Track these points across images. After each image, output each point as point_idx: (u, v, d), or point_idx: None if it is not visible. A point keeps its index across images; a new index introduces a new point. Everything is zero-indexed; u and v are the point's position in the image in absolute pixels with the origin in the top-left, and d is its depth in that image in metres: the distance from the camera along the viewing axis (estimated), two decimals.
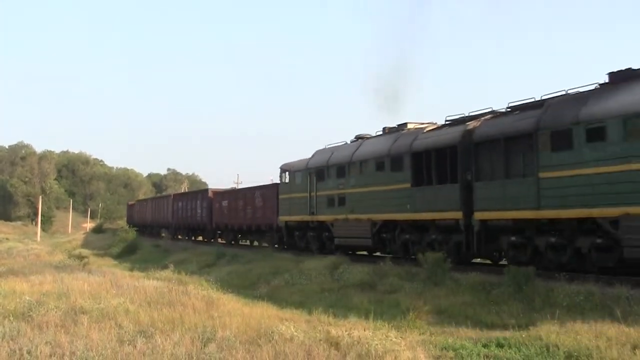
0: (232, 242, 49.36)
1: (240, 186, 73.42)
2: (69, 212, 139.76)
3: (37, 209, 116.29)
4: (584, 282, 17.91)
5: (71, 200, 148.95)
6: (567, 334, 13.50)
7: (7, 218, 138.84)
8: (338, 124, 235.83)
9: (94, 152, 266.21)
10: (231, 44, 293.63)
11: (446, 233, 24.86)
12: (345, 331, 12.92)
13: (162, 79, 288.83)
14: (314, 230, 34.53)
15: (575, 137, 18.91)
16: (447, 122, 26.37)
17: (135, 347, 11.53)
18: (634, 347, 12.35)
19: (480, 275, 21.31)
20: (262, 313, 17.63)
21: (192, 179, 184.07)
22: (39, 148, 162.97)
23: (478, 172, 22.98)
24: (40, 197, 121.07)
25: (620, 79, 19.32)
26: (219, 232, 53.06)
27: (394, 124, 30.44)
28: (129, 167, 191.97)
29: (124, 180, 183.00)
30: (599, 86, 19.88)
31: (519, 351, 12.97)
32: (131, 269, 37.89)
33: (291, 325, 13.69)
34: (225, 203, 49.73)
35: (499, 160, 22.02)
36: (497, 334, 14.90)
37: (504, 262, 23.45)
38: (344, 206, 30.88)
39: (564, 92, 21.00)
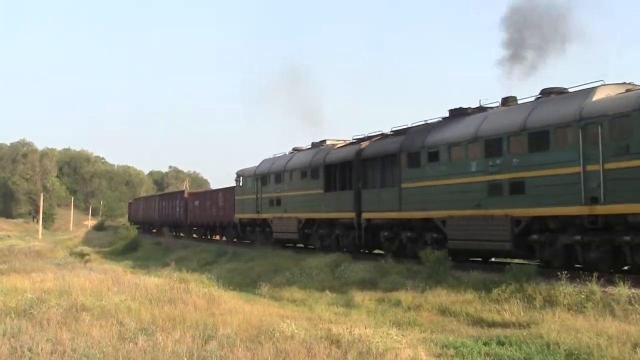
0: (203, 237, 56.81)
1: None
2: (71, 209, 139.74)
3: (38, 206, 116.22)
4: (585, 281, 17.94)
5: (72, 198, 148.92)
6: (568, 332, 13.52)
7: (9, 215, 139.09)
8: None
9: (95, 149, 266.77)
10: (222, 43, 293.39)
11: (346, 229, 31.40)
12: (346, 329, 12.93)
13: (162, 79, 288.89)
14: (259, 226, 41.29)
15: (421, 158, 25.64)
16: (352, 141, 33.20)
17: (137, 344, 11.54)
18: (635, 346, 12.36)
19: (482, 273, 21.33)
20: (263, 311, 17.65)
21: (194, 177, 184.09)
22: (40, 145, 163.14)
23: (365, 182, 29.81)
24: (42, 194, 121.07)
25: (454, 114, 25.99)
26: (194, 228, 59.81)
27: (321, 139, 36.92)
28: (130, 165, 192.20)
29: (125, 177, 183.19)
30: (441, 119, 26.53)
31: (520, 349, 13.00)
32: (132, 267, 37.93)
33: (292, 323, 13.70)
34: (197, 203, 57.02)
35: (377, 174, 28.88)
36: (498, 332, 14.93)
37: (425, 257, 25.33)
38: (280, 206, 37.55)
39: (423, 122, 27.53)
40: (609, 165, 18.05)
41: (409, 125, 28.29)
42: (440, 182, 24.43)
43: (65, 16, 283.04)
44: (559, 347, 12.62)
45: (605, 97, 19.40)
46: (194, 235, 59.70)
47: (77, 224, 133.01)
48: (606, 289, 16.95)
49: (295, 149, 39.37)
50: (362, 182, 29.88)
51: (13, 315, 14.20)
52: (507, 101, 24.42)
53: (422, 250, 24.01)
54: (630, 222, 17.80)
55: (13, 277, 23.79)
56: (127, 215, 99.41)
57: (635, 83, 20.36)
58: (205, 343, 11.82)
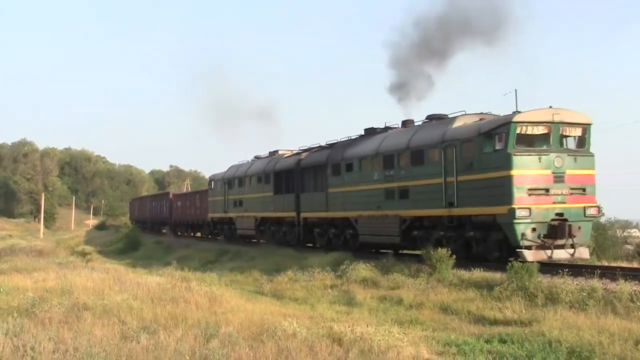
0: (185, 234, 63.12)
1: None
2: (72, 208, 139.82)
3: (39, 205, 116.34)
4: (587, 278, 17.97)
5: (74, 197, 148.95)
6: (570, 330, 13.54)
7: (10, 215, 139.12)
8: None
9: (96, 148, 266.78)
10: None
11: (290, 226, 37.11)
12: (348, 327, 12.96)
13: (163, 78, 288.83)
14: (227, 224, 47.61)
15: (341, 168, 31.30)
16: (296, 152, 39.17)
17: (139, 343, 11.57)
18: (637, 343, 12.39)
19: (483, 271, 21.35)
20: (265, 309, 17.68)
21: (195, 176, 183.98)
22: (41, 145, 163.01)
23: (302, 187, 35.49)
24: (43, 194, 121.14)
25: (367, 133, 32.08)
26: (181, 227, 65.17)
27: (277, 148, 42.54)
28: (131, 164, 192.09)
29: (126, 177, 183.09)
30: (358, 136, 32.57)
31: (522, 347, 13.02)
32: (134, 266, 37.95)
33: (294, 321, 13.73)
34: (179, 204, 63.82)
35: (311, 180, 34.58)
36: (500, 329, 14.96)
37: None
38: (242, 207, 43.42)
39: (347, 138, 33.38)
40: (460, 178, 23.43)
41: (337, 140, 34.56)
42: (354, 188, 30.27)
43: (67, 13, 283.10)
44: (561, 345, 12.65)
45: (461, 125, 24.67)
46: (178, 233, 65.39)
47: (78, 224, 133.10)
48: (608, 287, 16.99)
49: (256, 157, 45.41)
50: (300, 187, 35.81)
51: (15, 315, 14.22)
52: (406, 123, 30.14)
53: (339, 243, 31.79)
54: (474, 221, 23.28)
55: (15, 276, 23.79)
56: (128, 215, 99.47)
57: (492, 113, 25.27)
58: (207, 342, 11.85)
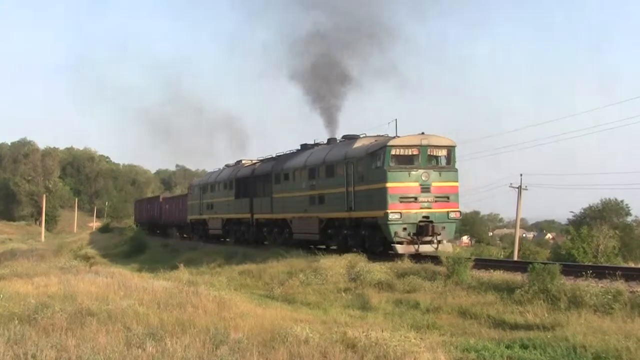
0: (177, 234, 67.02)
1: None
2: (74, 210, 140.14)
3: (41, 208, 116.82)
4: (611, 281, 17.91)
5: (76, 199, 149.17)
6: (595, 335, 13.48)
7: (11, 218, 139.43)
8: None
9: (99, 148, 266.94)
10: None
11: (247, 226, 44.74)
12: (363, 332, 12.96)
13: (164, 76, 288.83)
14: (201, 225, 55.09)
15: (282, 177, 38.45)
16: (255, 161, 46.54)
17: (145, 350, 11.59)
18: None
19: (504, 273, 21.32)
20: (276, 314, 17.69)
21: (201, 176, 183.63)
22: (42, 144, 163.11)
23: (255, 192, 42.72)
24: (44, 195, 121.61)
25: (303, 148, 39.38)
26: (169, 227, 71.22)
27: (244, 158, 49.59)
28: (136, 164, 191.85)
29: (131, 177, 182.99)
30: (295, 150, 40.04)
31: (544, 352, 12.97)
32: (139, 270, 38.05)
33: (306, 326, 13.73)
34: (167, 206, 71.20)
35: (261, 186, 41.57)
36: (521, 334, 14.91)
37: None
38: (212, 209, 51.60)
39: (289, 151, 40.87)
40: (356, 188, 30.55)
41: (282, 153, 41.72)
42: (289, 195, 37.50)
43: (66, 10, 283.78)
44: (586, 351, 12.60)
45: (359, 146, 31.73)
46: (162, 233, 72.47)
47: (81, 226, 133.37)
48: (635, 289, 16.93)
49: (226, 165, 52.82)
50: (253, 192, 43.12)
51: (16, 321, 14.25)
52: (330, 141, 37.53)
53: (287, 242, 37.86)
54: (365, 222, 30.30)
55: (15, 281, 23.90)
56: (133, 217, 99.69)
57: (388, 135, 31.99)
58: (216, 348, 11.87)
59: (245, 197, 44.33)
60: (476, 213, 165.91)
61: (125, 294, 19.45)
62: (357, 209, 30.59)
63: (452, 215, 29.10)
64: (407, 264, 25.52)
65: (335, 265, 27.65)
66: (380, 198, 28.73)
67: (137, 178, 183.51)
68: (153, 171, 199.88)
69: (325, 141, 38.28)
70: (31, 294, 19.25)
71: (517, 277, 20.40)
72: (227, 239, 49.59)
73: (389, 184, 28.44)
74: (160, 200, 75.97)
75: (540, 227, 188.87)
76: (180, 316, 15.39)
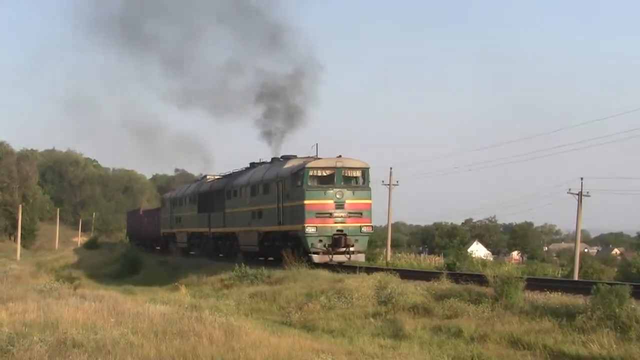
0: (152, 247, 75.15)
1: None
2: (56, 223, 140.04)
3: (16, 220, 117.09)
4: None
5: (58, 210, 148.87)
6: None
7: None
8: None
9: (85, 150, 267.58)
10: None
11: (204, 238, 54.88)
12: None
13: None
14: (172, 238, 64.70)
15: (232, 193, 47.79)
16: (217, 177, 55.92)
17: None
18: None
19: (562, 296, 21.25)
20: (294, 344, 17.69)
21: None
22: (17, 146, 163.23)
23: (212, 207, 51.82)
24: (20, 206, 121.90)
25: (250, 166, 48.41)
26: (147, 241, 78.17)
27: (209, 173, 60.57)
28: (128, 168, 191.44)
29: (123, 184, 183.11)
30: (245, 168, 49.32)
31: None
32: (133, 292, 38.14)
33: (329, 357, 13.76)
34: (146, 219, 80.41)
35: (217, 202, 50.82)
36: None
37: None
38: (180, 223, 61.46)
39: (242, 168, 50.08)
40: (284, 204, 38.96)
41: (235, 170, 51.10)
42: (237, 210, 46.68)
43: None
44: None
45: (289, 166, 39.96)
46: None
47: (64, 242, 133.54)
48: None
49: (195, 180, 64.57)
50: (211, 207, 52.26)
51: None
52: (273, 160, 45.87)
53: (234, 253, 46.75)
54: (291, 235, 38.74)
55: None
56: (125, 230, 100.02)
57: (319, 157, 39.54)
58: None
59: (205, 212, 53.92)
60: (528, 225, 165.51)
61: (116, 321, 19.51)
62: (285, 223, 39.31)
63: (364, 229, 37.63)
64: (446, 284, 25.50)
65: (362, 285, 27.72)
66: (300, 214, 37.18)
67: (130, 185, 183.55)
68: (149, 176, 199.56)
69: (270, 160, 47.01)
70: (5, 322, 19.30)
71: (579, 300, 20.34)
72: (192, 252, 58.90)
73: (306, 201, 36.87)
74: (141, 212, 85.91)
75: (606, 240, 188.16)
76: (181, 347, 15.44)
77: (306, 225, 36.33)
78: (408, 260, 58.59)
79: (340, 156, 38.21)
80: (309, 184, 37.19)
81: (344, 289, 27.69)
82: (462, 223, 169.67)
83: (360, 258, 37.70)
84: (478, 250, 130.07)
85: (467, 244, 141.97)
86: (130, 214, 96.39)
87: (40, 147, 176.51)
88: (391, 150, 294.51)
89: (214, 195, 52.32)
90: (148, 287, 42.00)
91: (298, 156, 42.23)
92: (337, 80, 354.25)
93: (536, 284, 24.68)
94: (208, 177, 58.62)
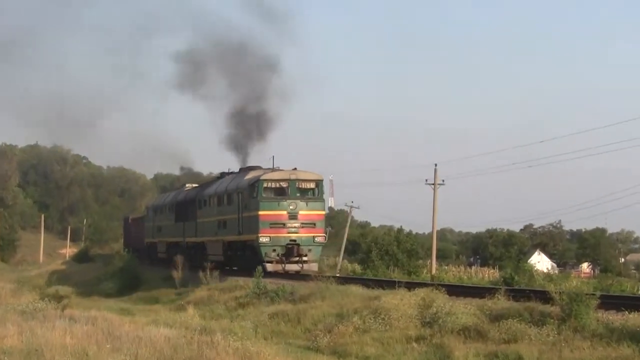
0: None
1: None
2: (40, 232, 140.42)
3: None
4: None
5: (43, 216, 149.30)
6: None
7: None
8: None
9: (74, 146, 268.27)
10: None
11: (178, 248, 60.84)
12: None
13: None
14: (155, 247, 72.56)
15: (202, 203, 56.71)
16: (195, 186, 65.29)
17: None
18: None
19: None
20: None
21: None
22: None
23: (187, 216, 59.13)
24: None
25: (220, 176, 57.65)
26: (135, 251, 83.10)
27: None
28: (126, 167, 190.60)
29: (119, 185, 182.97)
30: (216, 179, 58.98)
31: None
32: (132, 313, 38.32)
33: None
34: (133, 228, 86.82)
35: (189, 211, 58.42)
36: None
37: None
38: (160, 232, 69.95)
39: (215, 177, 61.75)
40: (243, 215, 46.50)
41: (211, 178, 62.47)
42: (206, 219, 54.30)
43: None
44: None
45: (249, 177, 47.18)
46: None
47: (49, 254, 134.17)
48: None
49: (176, 188, 75.80)
50: (185, 216, 60.10)
51: None
52: (240, 170, 53.24)
53: (206, 262, 49.47)
54: (248, 244, 46.37)
55: None
56: (122, 239, 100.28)
57: (280, 168, 47.72)
58: None
59: (181, 221, 62.17)
60: (601, 231, 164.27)
61: (113, 347, 19.60)
62: (244, 233, 47.06)
63: (317, 239, 45.47)
64: (503, 302, 25.42)
65: (402, 304, 27.65)
66: (255, 224, 44.88)
67: (127, 186, 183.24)
68: (150, 175, 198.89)
69: (237, 170, 55.15)
70: None
71: None
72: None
73: (260, 212, 44.63)
74: (130, 221, 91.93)
75: None
76: None
77: (260, 235, 44.19)
78: (456, 273, 59.10)
79: (295, 169, 46.50)
80: (264, 195, 45.22)
81: (380, 308, 27.62)
82: (521, 229, 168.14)
83: (313, 267, 45.39)
84: (540, 261, 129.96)
85: (527, 254, 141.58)
86: (126, 221, 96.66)
87: (21, 142, 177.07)
88: (436, 144, 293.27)
89: (188, 205, 60.97)
90: (149, 306, 42.38)
91: (263, 167, 50.63)
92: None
93: (612, 302, 24.54)
94: (187, 185, 68.27)
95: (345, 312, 28.82)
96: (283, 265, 44.14)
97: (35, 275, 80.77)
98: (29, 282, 69.80)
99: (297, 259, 44.36)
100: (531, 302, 24.63)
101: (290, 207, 44.25)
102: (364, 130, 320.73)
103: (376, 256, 67.96)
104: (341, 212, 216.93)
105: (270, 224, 43.91)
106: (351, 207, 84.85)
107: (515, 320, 23.07)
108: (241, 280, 45.15)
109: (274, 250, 44.00)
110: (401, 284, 33.07)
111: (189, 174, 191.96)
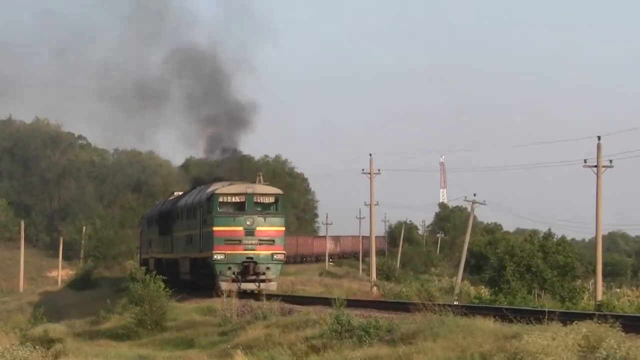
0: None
1: None
2: (20, 246, 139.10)
3: None
4: None
5: (22, 223, 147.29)
6: None
7: None
8: None
9: (67, 123, 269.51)
10: None
11: (161, 265, 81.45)
12: None
13: None
14: (147, 264, 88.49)
15: (176, 216, 78.37)
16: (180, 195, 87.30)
17: None
18: None
19: None
20: None
21: (272, 167, 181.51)
22: None
23: (165, 230, 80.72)
24: None
25: (194, 186, 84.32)
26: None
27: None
28: (141, 150, 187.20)
29: (133, 175, 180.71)
30: (191, 189, 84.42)
31: None
32: None
33: None
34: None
35: (168, 224, 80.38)
36: None
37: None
38: (151, 247, 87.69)
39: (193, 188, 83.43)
40: (203, 230, 65.05)
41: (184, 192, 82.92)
42: (179, 234, 72.51)
43: None
44: None
45: (209, 190, 65.24)
46: None
47: (34, 278, 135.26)
48: None
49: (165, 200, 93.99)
50: (165, 229, 75.52)
51: None
52: (212, 182, 67.90)
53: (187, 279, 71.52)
54: (207, 261, 64.13)
55: None
56: (138, 254, 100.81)
57: (242, 182, 68.14)
58: None
59: (163, 235, 78.28)
60: None
61: None
62: (204, 250, 61.16)
63: (276, 256, 58.93)
64: None
65: (554, 345, 27.32)
66: (210, 240, 58.23)
67: (145, 178, 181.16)
68: (179, 163, 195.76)
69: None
70: None
71: None
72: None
73: (215, 228, 58.03)
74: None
75: None
76: None
77: (214, 252, 57.61)
78: (634, 299, 58.06)
79: (253, 182, 58.68)
80: (220, 210, 59.66)
81: (522, 352, 27.35)
82: None
83: (272, 287, 58.64)
84: None
85: None
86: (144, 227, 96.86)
87: None
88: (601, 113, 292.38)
89: (167, 217, 78.04)
90: (180, 351, 42.37)
91: (233, 180, 66.21)
92: None
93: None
94: (175, 193, 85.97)
95: (469, 357, 28.70)
96: (239, 284, 56.78)
97: (14, 309, 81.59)
98: (5, 319, 70.44)
99: (254, 277, 57.74)
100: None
101: (247, 223, 57.60)
102: None
103: (512, 274, 67.32)
104: (458, 210, 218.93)
105: (226, 240, 57.38)
106: (474, 202, 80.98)
107: None
108: (313, 313, 45.08)
109: (229, 268, 57.22)
110: (552, 315, 32.73)
111: (232, 159, 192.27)
